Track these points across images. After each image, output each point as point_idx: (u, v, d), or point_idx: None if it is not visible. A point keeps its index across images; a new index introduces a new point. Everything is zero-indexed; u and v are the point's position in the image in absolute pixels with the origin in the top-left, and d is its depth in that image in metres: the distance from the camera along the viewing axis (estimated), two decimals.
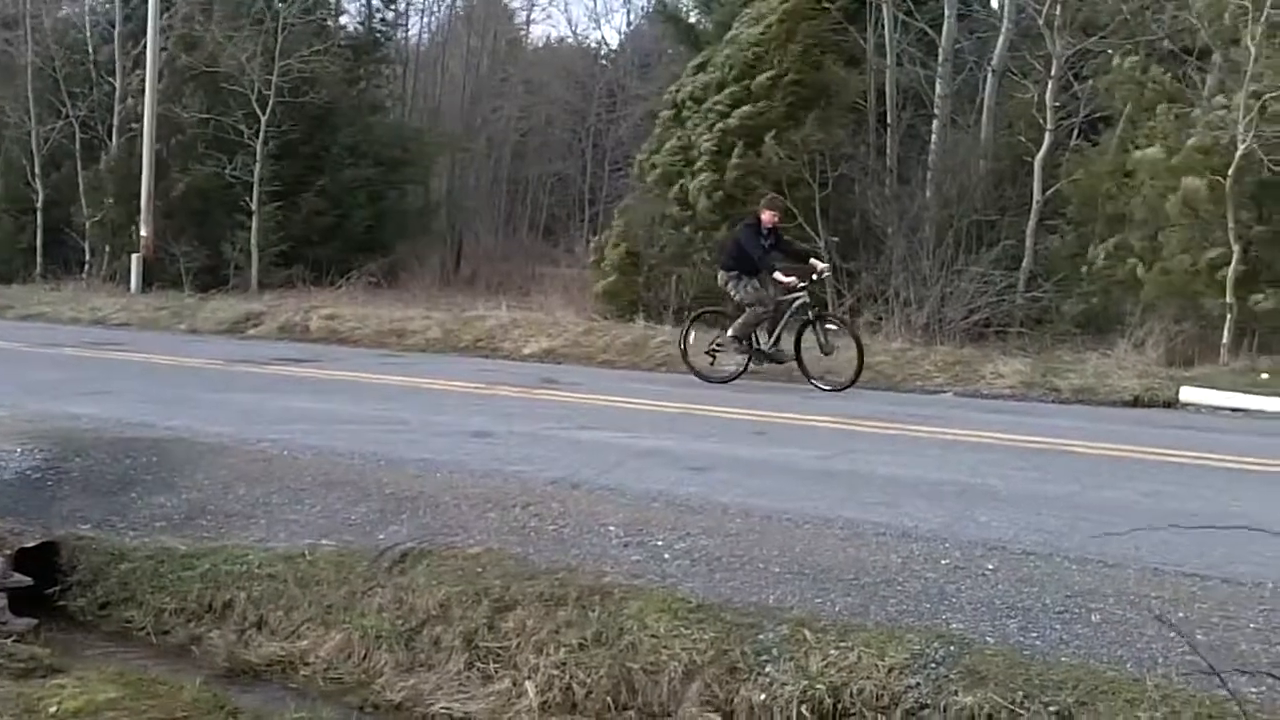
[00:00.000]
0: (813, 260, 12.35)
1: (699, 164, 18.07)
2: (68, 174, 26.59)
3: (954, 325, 15.32)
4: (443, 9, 39.35)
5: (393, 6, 32.83)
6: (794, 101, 17.98)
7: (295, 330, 17.58)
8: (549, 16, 78.26)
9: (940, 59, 18.33)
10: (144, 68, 23.88)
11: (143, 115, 23.72)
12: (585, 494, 6.73)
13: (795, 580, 5.37)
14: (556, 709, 4.93)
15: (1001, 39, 17.86)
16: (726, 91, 18.39)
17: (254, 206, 24.43)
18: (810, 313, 12.08)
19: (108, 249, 25.58)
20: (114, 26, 26.33)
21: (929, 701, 4.37)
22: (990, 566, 5.34)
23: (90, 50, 27.01)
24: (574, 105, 39.79)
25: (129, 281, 23.24)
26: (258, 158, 24.42)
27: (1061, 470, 7.64)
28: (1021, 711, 4.20)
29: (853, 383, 11.65)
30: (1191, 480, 7.30)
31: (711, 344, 12.49)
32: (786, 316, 12.04)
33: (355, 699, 5.26)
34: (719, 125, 18.11)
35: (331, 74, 26.23)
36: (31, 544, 6.35)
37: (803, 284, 11.85)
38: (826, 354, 11.97)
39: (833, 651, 4.67)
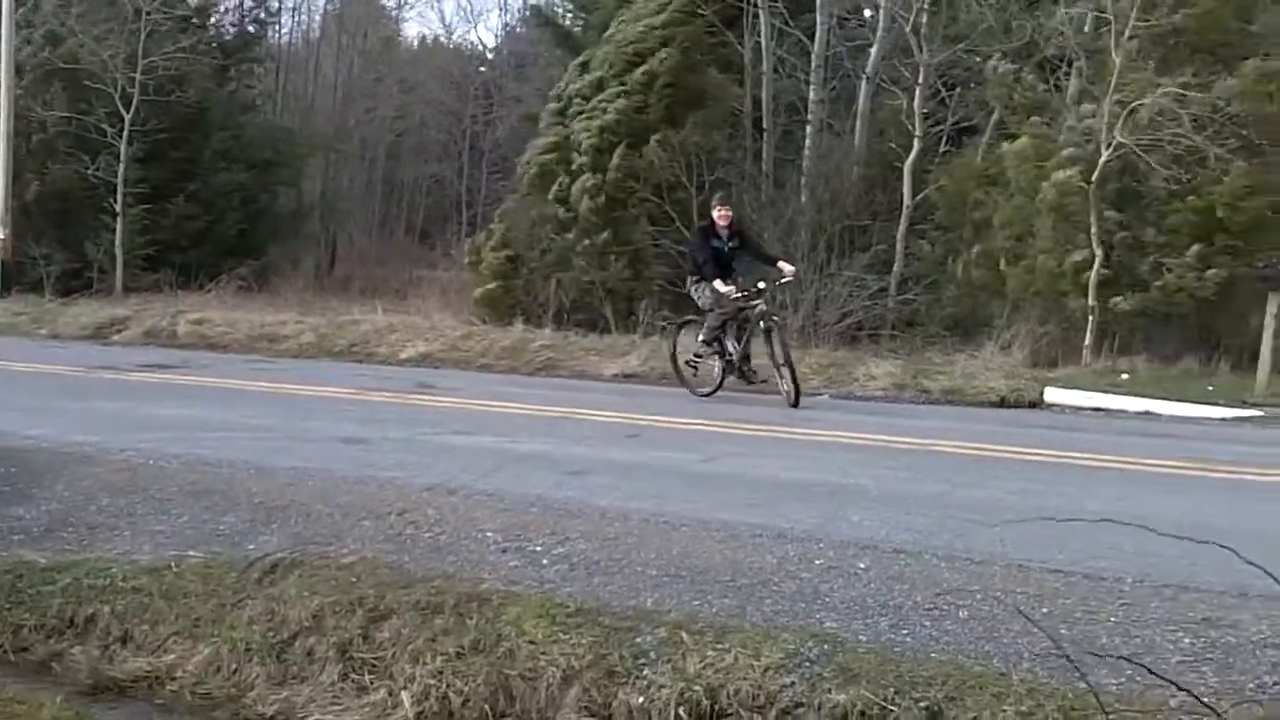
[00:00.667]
0: (781, 264, 11.57)
1: (580, 164, 18.05)
2: None
3: (828, 328, 15.57)
4: (314, 8, 38.78)
5: (265, 5, 32.19)
6: (672, 103, 18.07)
7: (162, 335, 17.07)
8: (422, 15, 77.27)
9: (814, 66, 18.63)
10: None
11: None
12: (462, 500, 6.69)
13: (673, 583, 5.41)
14: (433, 719, 4.88)
15: (875, 47, 18.23)
16: (609, 90, 18.42)
17: (118, 208, 23.68)
18: (764, 321, 11.17)
19: None
20: None
21: (804, 700, 4.43)
22: (862, 565, 5.45)
23: None
24: (450, 106, 39.42)
25: None
26: (122, 158, 23.68)
27: (931, 470, 7.82)
28: (893, 708, 4.28)
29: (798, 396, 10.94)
30: (1055, 478, 7.54)
31: (691, 355, 11.84)
32: (752, 324, 11.28)
33: (225, 714, 5.13)
34: (598, 122, 18.11)
35: (200, 73, 25.55)
36: None
37: (741, 293, 11.11)
38: (777, 366, 11.04)
39: (710, 653, 4.71)
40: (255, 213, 27.46)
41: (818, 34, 18.56)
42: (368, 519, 6.40)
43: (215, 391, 11.60)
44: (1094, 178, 13.86)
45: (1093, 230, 14.03)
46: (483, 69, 42.09)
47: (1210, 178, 13.43)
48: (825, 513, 6.43)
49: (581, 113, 18.66)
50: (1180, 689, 3.81)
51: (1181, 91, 13.33)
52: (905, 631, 4.81)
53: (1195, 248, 13.50)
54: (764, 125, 18.97)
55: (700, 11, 18.50)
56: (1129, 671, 4.07)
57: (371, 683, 5.06)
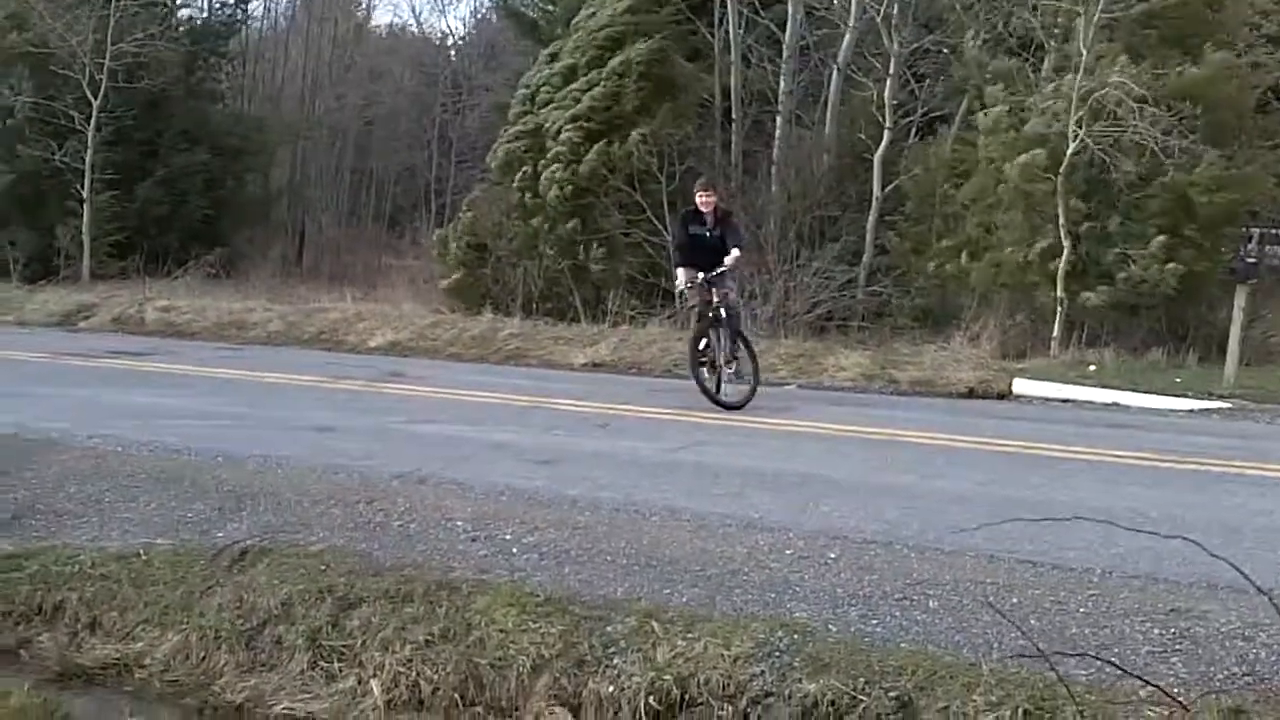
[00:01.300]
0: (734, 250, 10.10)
1: (558, 153, 17.99)
2: None
3: (798, 318, 15.59)
4: None
5: None
6: (645, 93, 18.05)
7: (130, 322, 16.96)
8: (392, 3, 76.90)
9: (784, 56, 18.63)
10: None
11: None
12: (432, 488, 6.67)
13: (643, 572, 5.42)
14: (403, 706, 4.88)
15: (847, 37, 18.21)
16: (581, 79, 18.37)
17: (86, 194, 23.45)
18: (712, 311, 10.04)
19: None
20: None
21: (774, 690, 4.46)
22: (832, 555, 5.47)
23: None
24: (419, 95, 39.20)
25: None
26: (89, 144, 23.44)
27: (900, 460, 7.86)
28: (863, 697, 4.31)
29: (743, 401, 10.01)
30: (1024, 469, 7.58)
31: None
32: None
33: (194, 701, 5.13)
34: (571, 111, 18.06)
35: (169, 59, 25.31)
36: None
37: (692, 284, 10.04)
38: (725, 364, 10.03)
39: (680, 642, 4.73)
40: (222, 199, 27.32)
41: (789, 23, 18.54)
42: (337, 507, 6.38)
43: (183, 379, 11.52)
44: (1061, 169, 13.92)
45: (1061, 221, 14.10)
46: (452, 57, 41.87)
47: (1178, 166, 13.49)
48: (795, 503, 6.45)
49: (551, 101, 18.60)
50: (1147, 683, 3.85)
51: (1142, 90, 13.37)
52: (875, 621, 4.83)
53: (1159, 239, 13.59)
54: (733, 115, 18.95)
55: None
56: (1100, 662, 4.11)
57: (341, 670, 5.06)
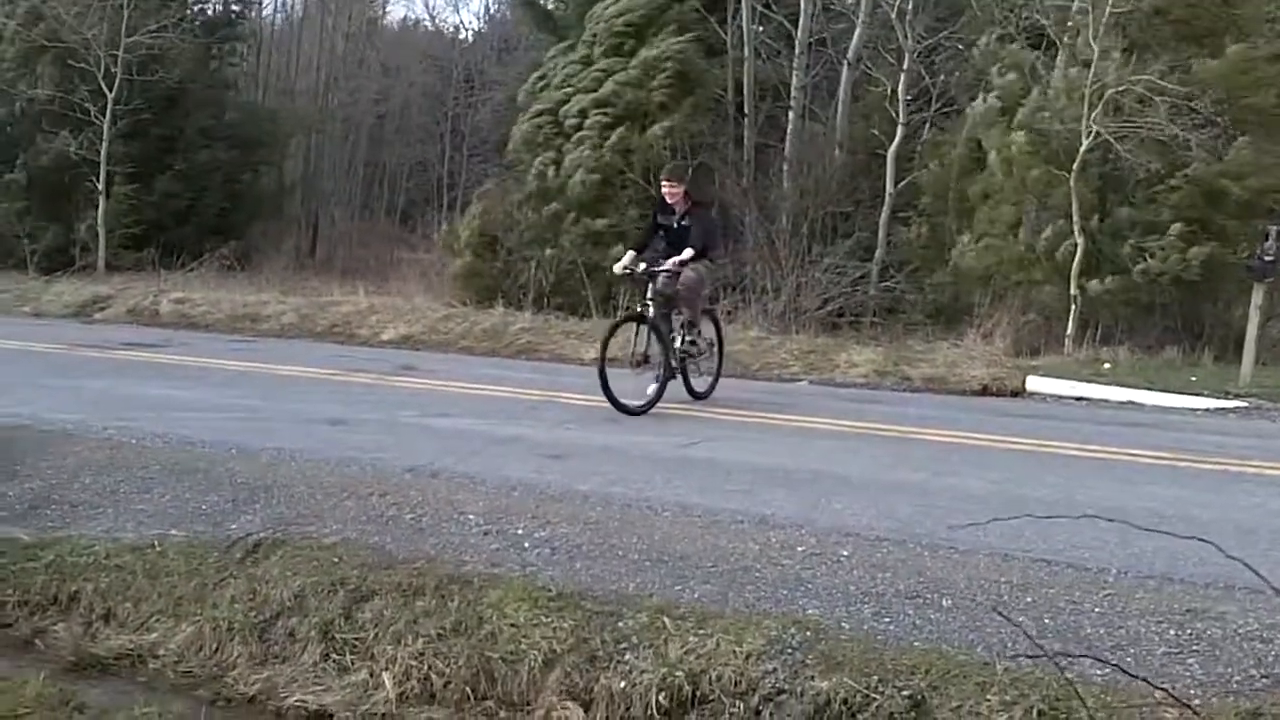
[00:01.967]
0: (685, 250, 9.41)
1: (579, 138, 17.96)
2: None
3: (809, 314, 15.56)
4: None
5: None
6: (669, 88, 18.03)
7: (145, 314, 17.03)
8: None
9: (797, 51, 18.59)
10: None
11: None
12: (444, 482, 6.68)
13: (655, 568, 5.42)
14: (414, 700, 4.88)
15: (858, 31, 18.19)
16: (600, 64, 18.35)
17: (101, 186, 23.54)
18: (640, 306, 9.54)
19: None
20: None
21: (786, 687, 4.44)
22: (845, 553, 5.46)
23: None
24: (432, 89, 39.22)
25: None
26: (105, 136, 23.52)
27: (913, 458, 7.82)
28: (876, 696, 4.29)
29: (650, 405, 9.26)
30: (1038, 468, 7.55)
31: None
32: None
33: (207, 692, 5.13)
34: (594, 95, 18.04)
35: (183, 52, 25.36)
36: None
37: (629, 271, 9.53)
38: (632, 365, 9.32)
39: (692, 639, 4.72)
40: (237, 192, 27.41)
41: (801, 18, 18.52)
42: (350, 500, 6.39)
43: (198, 371, 11.54)
44: (1074, 166, 13.86)
45: (1074, 216, 14.04)
46: (464, 49, 41.88)
47: (1202, 159, 13.41)
48: (807, 500, 6.44)
49: (567, 85, 18.58)
50: (1156, 687, 3.82)
51: (1157, 81, 13.30)
52: (888, 620, 4.82)
53: (1178, 226, 13.50)
54: (746, 110, 18.93)
55: None
56: (1114, 662, 4.09)
57: (353, 663, 5.06)
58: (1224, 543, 4.13)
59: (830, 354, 13.21)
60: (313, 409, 9.20)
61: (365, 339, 15.13)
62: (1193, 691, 4.06)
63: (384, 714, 4.85)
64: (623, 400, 9.01)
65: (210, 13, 29.63)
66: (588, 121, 18.03)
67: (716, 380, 10.27)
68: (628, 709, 4.60)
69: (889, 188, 17.04)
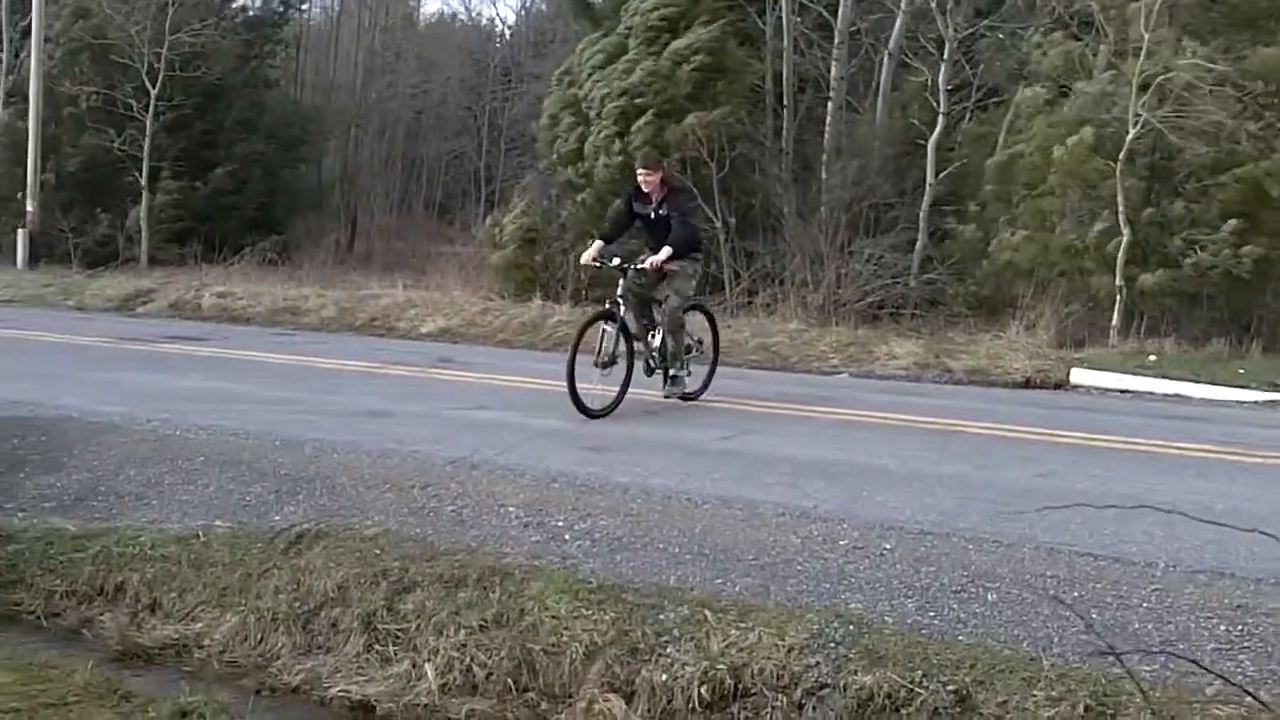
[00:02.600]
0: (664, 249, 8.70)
1: (603, 127, 17.95)
2: None
3: (849, 307, 15.47)
4: None
5: None
6: (702, 80, 17.97)
7: (187, 308, 17.19)
8: None
9: (836, 41, 18.47)
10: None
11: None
12: (484, 474, 6.68)
13: (696, 561, 5.40)
14: (456, 691, 4.89)
15: (899, 21, 18.04)
16: (632, 53, 18.33)
17: (144, 181, 23.79)
18: (610, 303, 8.83)
19: None
20: None
21: (829, 681, 4.42)
22: (888, 546, 5.42)
23: None
24: (469, 83, 39.36)
25: (15, 258, 22.52)
26: (147, 132, 23.77)
27: (955, 450, 7.77)
28: (920, 690, 4.26)
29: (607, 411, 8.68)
30: (1082, 460, 7.47)
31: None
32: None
33: (251, 682, 5.17)
34: (622, 84, 18.01)
35: (225, 49, 25.58)
36: None
37: (599, 263, 9.03)
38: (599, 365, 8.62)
39: (733, 632, 4.70)
40: (277, 187, 27.68)
41: (841, 8, 18.39)
42: (391, 492, 6.41)
43: (240, 363, 11.63)
44: (1121, 155, 13.70)
45: (1120, 207, 13.87)
46: (500, 43, 42.02)
47: (1247, 155, 13.23)
48: (849, 492, 6.40)
49: (596, 74, 18.57)
50: (1223, 679, 3.76)
51: (1207, 66, 13.10)
52: (932, 614, 4.78)
53: (1232, 223, 13.33)
54: (784, 101, 18.82)
55: None
56: (1162, 658, 4.03)
57: (395, 654, 5.08)
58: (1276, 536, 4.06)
59: (870, 346, 13.15)
60: (353, 401, 9.25)
61: (404, 332, 15.23)
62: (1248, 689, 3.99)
63: (426, 705, 4.86)
64: (587, 403, 8.47)
65: (252, 11, 29.89)
66: (609, 109, 17.96)
67: (709, 380, 9.70)
68: (669, 701, 4.59)
69: (929, 178, 16.89)
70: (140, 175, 23.77)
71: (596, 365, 8.55)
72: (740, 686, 4.53)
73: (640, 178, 9.06)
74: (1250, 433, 8.72)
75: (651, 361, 9.04)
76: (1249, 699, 3.81)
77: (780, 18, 18.78)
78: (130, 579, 5.77)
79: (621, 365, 8.70)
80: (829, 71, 18.64)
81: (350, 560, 5.52)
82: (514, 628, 4.98)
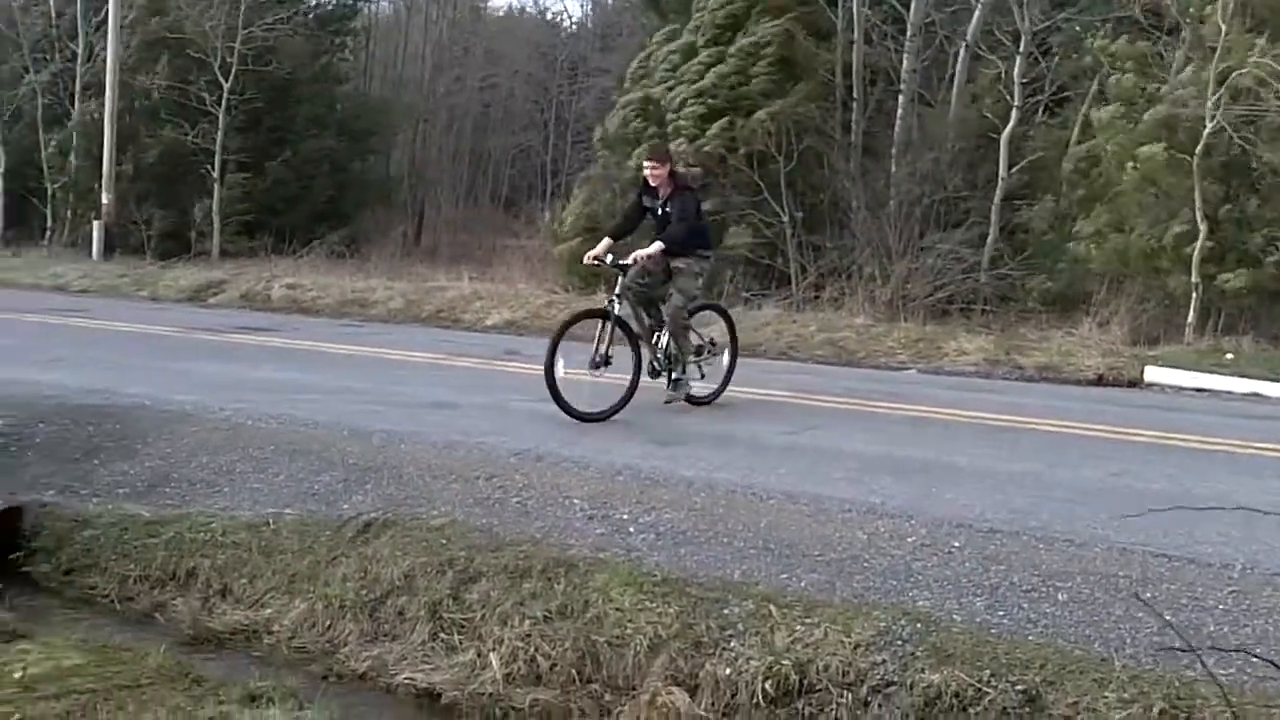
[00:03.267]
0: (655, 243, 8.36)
1: (672, 128, 17.93)
2: (31, 140, 26.16)
3: (918, 302, 15.31)
4: None
5: None
6: (772, 74, 17.90)
7: (257, 299, 17.44)
8: None
9: (909, 34, 18.29)
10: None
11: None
12: (549, 466, 6.69)
13: (761, 556, 5.37)
14: (521, 681, 4.91)
15: (977, 13, 17.80)
16: (702, 54, 18.29)
17: (217, 174, 24.17)
18: (606, 302, 8.49)
19: (69, 215, 25.28)
20: None
21: (895, 679, 4.38)
22: (956, 544, 5.35)
23: (53, 14, 26.59)
24: (536, 77, 39.55)
25: (91, 248, 22.97)
26: (220, 126, 24.14)
27: (1026, 448, 7.66)
28: (988, 690, 4.20)
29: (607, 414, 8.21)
30: (1156, 460, 7.33)
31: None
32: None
33: (319, 668, 5.23)
34: (696, 86, 17.99)
35: (296, 44, 25.91)
36: None
37: (599, 261, 8.64)
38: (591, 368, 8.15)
39: (798, 627, 4.67)
40: (346, 180, 27.97)
41: (914, 1, 18.23)
42: (457, 482, 6.44)
43: (309, 354, 11.76)
44: (1197, 150, 13.42)
45: (1197, 205, 13.60)
46: (567, 37, 42.14)
47: None
48: (917, 489, 6.32)
49: (670, 77, 18.53)
50: None
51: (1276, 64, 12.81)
52: (1001, 613, 4.71)
53: None
54: (855, 94, 18.69)
55: None
56: (1239, 662, 3.94)
57: (461, 643, 5.11)
58: None
59: (939, 342, 13.02)
60: (420, 392, 9.31)
61: (469, 324, 15.31)
62: None
63: (491, 694, 4.88)
64: (574, 404, 7.96)
65: (324, 6, 30.22)
66: (687, 111, 17.93)
67: (726, 384, 9.08)
68: (733, 696, 4.57)
69: (1002, 173, 16.68)
70: (212, 168, 24.16)
71: (590, 366, 8.10)
72: (805, 682, 4.50)
73: (647, 170, 8.66)
74: None
75: (656, 363, 8.59)
76: None
77: (851, 10, 18.65)
78: (202, 565, 5.87)
79: (628, 365, 8.31)
80: (900, 64, 18.47)
81: (417, 549, 5.56)
82: (578, 619, 4.98)
